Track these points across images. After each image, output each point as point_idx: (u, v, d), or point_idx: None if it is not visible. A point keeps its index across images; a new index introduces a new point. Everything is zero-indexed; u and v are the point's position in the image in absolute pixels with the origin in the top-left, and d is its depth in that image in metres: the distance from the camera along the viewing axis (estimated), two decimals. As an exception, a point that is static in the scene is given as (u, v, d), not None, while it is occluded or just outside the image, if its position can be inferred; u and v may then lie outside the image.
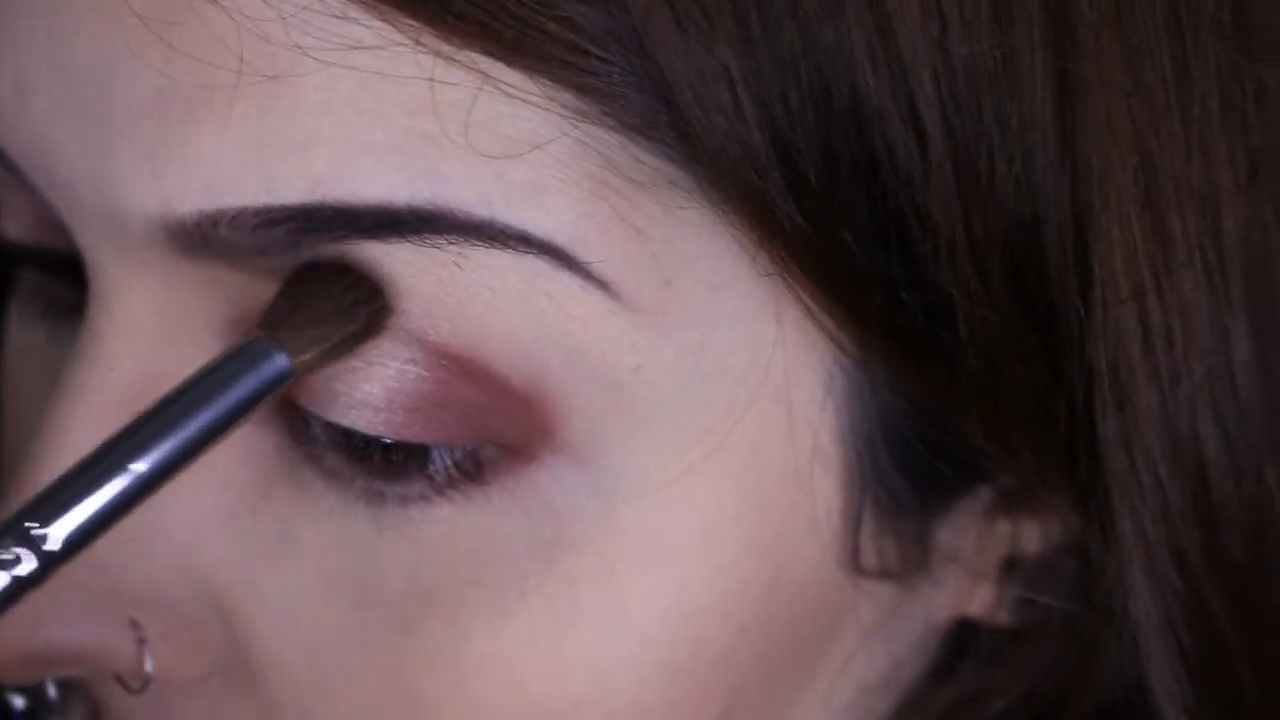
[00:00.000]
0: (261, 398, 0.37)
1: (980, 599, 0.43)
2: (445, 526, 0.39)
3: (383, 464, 0.38)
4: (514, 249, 0.36)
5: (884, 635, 0.43)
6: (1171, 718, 0.40)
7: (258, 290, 0.38)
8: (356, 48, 0.36)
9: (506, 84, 0.36)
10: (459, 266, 0.37)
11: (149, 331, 0.39)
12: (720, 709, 0.40)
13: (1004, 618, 0.43)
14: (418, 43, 0.36)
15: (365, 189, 0.36)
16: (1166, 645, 0.40)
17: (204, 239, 0.37)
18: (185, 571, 0.40)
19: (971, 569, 0.42)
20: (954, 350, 0.38)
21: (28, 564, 0.36)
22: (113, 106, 0.37)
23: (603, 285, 0.37)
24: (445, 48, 0.36)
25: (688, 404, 0.38)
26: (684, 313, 0.38)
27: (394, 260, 0.37)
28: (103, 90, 0.37)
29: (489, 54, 0.36)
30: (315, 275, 0.37)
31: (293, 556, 0.40)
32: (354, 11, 0.36)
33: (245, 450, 0.39)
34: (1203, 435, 0.39)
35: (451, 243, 0.36)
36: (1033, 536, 0.42)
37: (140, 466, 0.36)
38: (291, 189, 0.36)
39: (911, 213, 0.37)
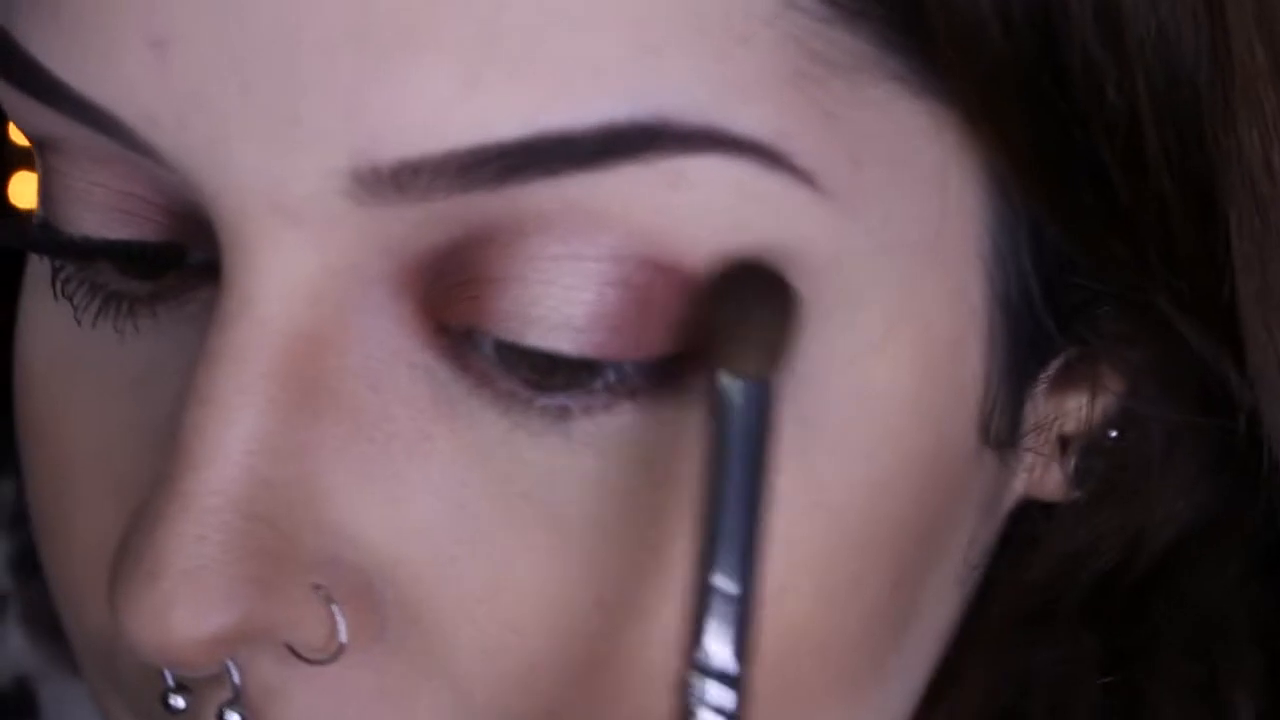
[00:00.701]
0: (769, 427, 0.36)
1: (1050, 477, 0.44)
2: (634, 430, 0.37)
3: (567, 377, 0.37)
4: (728, 154, 0.36)
5: (990, 509, 0.44)
6: None
7: (419, 240, 0.36)
8: None
9: None
10: (673, 187, 0.36)
11: (303, 292, 0.36)
12: (890, 582, 0.41)
13: (1073, 494, 0.45)
14: None
15: (585, 111, 0.35)
16: None
17: (397, 188, 0.35)
18: (349, 539, 0.38)
19: (1042, 445, 0.44)
20: (1112, 201, 0.40)
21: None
22: (298, 48, 0.34)
23: (806, 179, 0.37)
24: None
25: (873, 283, 0.38)
26: (869, 192, 0.38)
27: (604, 190, 0.35)
28: (284, 31, 0.34)
29: None
30: (728, 289, 0.36)
31: (465, 496, 0.38)
32: None
33: (393, 400, 0.38)
34: None
35: (667, 158, 0.35)
36: (1092, 411, 0.44)
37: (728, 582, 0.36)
38: (506, 122, 0.34)
39: (1084, 68, 0.38)
